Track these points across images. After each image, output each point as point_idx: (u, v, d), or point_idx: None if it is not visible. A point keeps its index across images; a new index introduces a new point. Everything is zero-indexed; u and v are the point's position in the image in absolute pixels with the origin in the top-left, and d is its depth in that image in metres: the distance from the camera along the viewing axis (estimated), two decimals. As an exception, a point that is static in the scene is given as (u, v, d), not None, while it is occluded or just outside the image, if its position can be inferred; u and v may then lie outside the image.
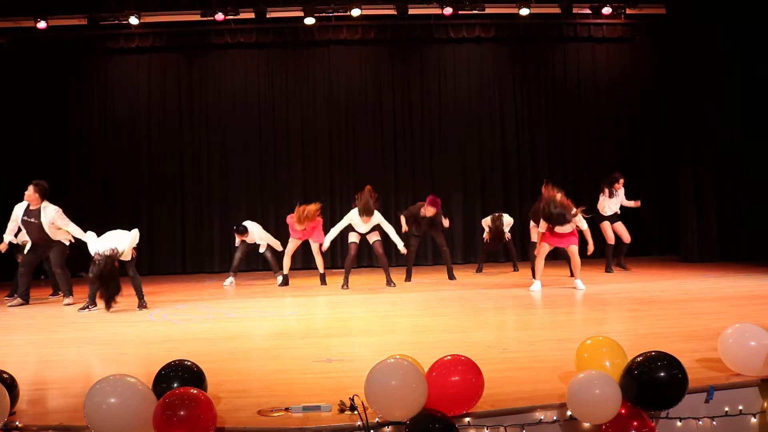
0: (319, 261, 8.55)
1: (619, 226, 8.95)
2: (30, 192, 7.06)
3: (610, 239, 8.96)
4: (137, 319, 6.01)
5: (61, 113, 11.07)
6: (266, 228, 9.24)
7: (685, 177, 10.12)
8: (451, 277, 8.56)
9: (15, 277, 7.76)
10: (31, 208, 7.08)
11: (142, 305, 6.54)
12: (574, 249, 7.08)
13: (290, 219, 8.37)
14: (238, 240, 8.84)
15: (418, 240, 8.51)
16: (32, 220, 7.03)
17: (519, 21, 10.79)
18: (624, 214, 9.14)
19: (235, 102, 11.32)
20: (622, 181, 9.00)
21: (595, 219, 8.84)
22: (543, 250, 7.18)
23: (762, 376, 3.16)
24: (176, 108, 11.29)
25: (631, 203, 9.03)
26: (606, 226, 8.95)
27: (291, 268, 8.74)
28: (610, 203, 8.94)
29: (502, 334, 4.76)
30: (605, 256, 9.03)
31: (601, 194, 8.99)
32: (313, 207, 8.13)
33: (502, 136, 11.50)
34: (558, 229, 6.95)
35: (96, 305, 6.58)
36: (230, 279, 8.91)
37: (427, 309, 6.08)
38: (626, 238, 8.96)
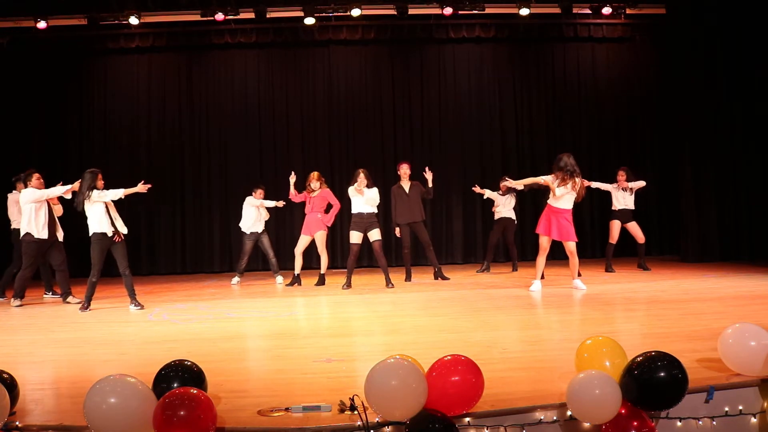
0: (323, 261, 8.53)
1: (633, 226, 8.88)
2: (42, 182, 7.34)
3: (613, 238, 8.92)
4: (137, 319, 6.01)
5: (61, 113, 11.08)
6: (267, 227, 9.24)
7: (685, 177, 10.12)
8: (442, 277, 8.47)
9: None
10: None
11: (135, 304, 6.55)
12: (572, 247, 7.04)
13: (304, 198, 8.48)
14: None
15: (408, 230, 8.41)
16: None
17: (519, 21, 10.81)
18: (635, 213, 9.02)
19: (235, 102, 11.33)
20: (621, 173, 8.94)
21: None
22: (542, 247, 7.16)
23: (762, 376, 3.16)
24: (176, 108, 11.30)
25: (637, 184, 8.90)
26: (614, 224, 8.92)
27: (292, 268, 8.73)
28: (617, 198, 8.89)
29: (502, 334, 4.75)
30: (606, 255, 9.03)
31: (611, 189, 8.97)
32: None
33: (502, 136, 11.51)
34: (559, 203, 6.94)
35: (89, 306, 6.60)
36: (236, 278, 9.03)
37: (427, 309, 6.07)
38: (639, 238, 8.90)
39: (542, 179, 7.13)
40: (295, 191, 8.53)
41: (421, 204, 8.40)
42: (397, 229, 8.44)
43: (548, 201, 7.12)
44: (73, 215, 8.39)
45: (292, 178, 8.54)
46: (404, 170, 8.44)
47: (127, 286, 6.63)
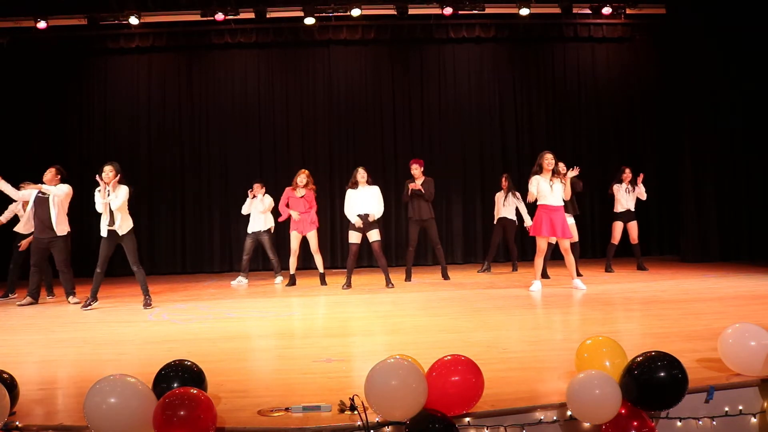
0: (318, 260, 8.54)
1: (632, 226, 8.88)
2: (52, 174, 7.35)
3: (615, 239, 8.92)
4: (137, 319, 6.01)
5: (61, 113, 11.08)
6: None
7: (686, 177, 10.13)
8: (445, 276, 8.50)
9: (8, 276, 7.85)
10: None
11: (146, 303, 6.57)
12: (566, 244, 7.06)
13: (288, 198, 8.46)
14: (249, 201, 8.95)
15: (416, 227, 8.41)
16: (45, 194, 7.23)
17: (519, 21, 10.82)
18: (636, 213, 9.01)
19: (235, 102, 11.34)
20: (627, 170, 8.94)
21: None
22: (541, 249, 7.17)
23: (762, 376, 3.16)
24: (176, 108, 11.30)
25: (641, 191, 8.91)
26: (616, 225, 8.91)
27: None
28: (621, 199, 8.89)
29: (502, 334, 4.75)
30: (606, 255, 9.03)
31: (614, 190, 8.94)
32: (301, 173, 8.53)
33: (502, 136, 11.51)
34: (550, 201, 6.98)
35: (96, 301, 6.66)
36: (239, 278, 9.04)
37: (427, 309, 6.07)
38: (633, 239, 8.91)
39: (531, 190, 7.15)
40: (285, 210, 8.51)
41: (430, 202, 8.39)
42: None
43: (540, 202, 7.11)
44: (75, 215, 8.42)
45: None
46: (415, 170, 8.38)
47: (139, 281, 6.72)
